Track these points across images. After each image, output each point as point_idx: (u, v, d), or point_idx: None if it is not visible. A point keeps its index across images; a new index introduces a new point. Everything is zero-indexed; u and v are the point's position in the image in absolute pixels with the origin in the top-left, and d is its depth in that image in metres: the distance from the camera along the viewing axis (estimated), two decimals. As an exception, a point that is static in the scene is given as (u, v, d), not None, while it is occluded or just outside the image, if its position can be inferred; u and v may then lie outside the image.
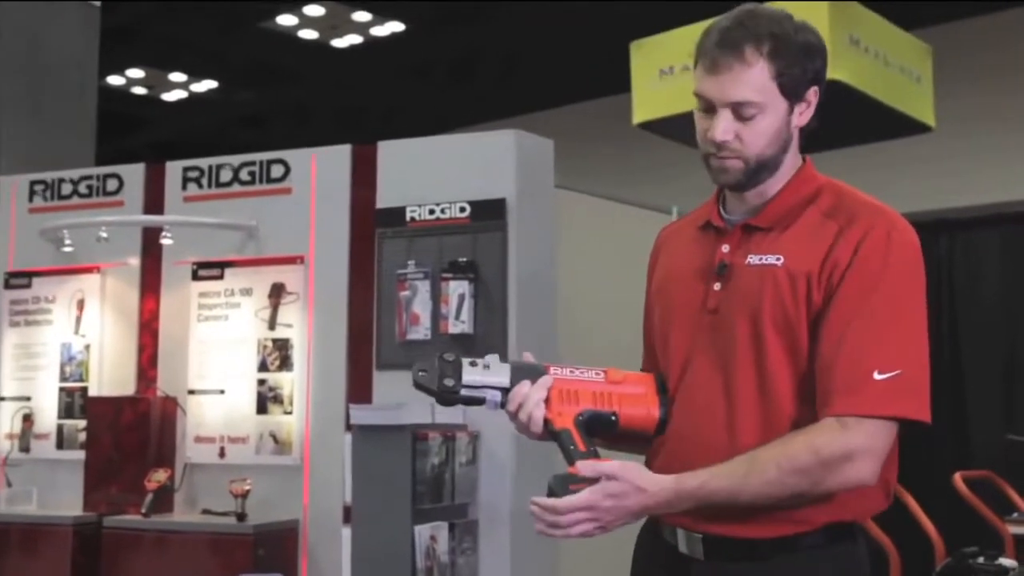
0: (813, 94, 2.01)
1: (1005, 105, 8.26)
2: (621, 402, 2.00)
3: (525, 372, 1.97)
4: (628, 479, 1.86)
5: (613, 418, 1.99)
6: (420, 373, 1.92)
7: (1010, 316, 7.62)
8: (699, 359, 2.02)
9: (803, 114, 2.01)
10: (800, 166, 2.07)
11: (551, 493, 1.86)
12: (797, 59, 1.96)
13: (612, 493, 1.84)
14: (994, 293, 7.67)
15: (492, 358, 1.97)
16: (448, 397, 1.92)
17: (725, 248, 2.04)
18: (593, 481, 1.85)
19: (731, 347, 1.98)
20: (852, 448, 1.86)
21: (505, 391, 1.95)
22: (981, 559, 4.34)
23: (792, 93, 1.98)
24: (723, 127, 1.95)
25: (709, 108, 1.98)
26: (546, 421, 1.94)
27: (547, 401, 1.95)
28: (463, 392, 1.92)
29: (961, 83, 7.75)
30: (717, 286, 2.03)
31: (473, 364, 1.93)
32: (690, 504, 1.89)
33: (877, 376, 1.87)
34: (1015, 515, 5.14)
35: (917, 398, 1.90)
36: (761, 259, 1.98)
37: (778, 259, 1.96)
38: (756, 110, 1.94)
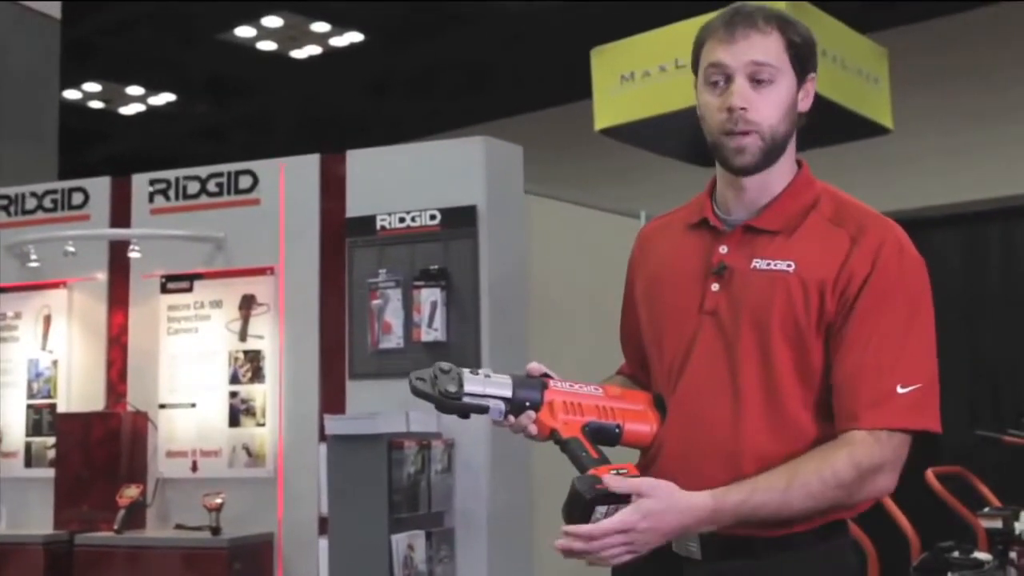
0: (812, 81, 2.05)
1: (961, 106, 8.37)
2: (624, 416, 2.00)
3: (526, 384, 1.95)
4: (664, 497, 1.83)
5: (617, 430, 1.98)
6: (418, 380, 1.89)
7: (972, 314, 7.72)
8: (698, 362, 2.01)
9: (804, 100, 2.04)
10: (799, 169, 2.09)
11: (575, 495, 1.81)
12: (802, 37, 2.02)
13: (648, 512, 1.81)
14: (956, 292, 7.77)
15: (488, 371, 1.95)
16: (449, 403, 1.88)
17: (723, 249, 2.03)
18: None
19: (735, 352, 1.97)
20: (885, 461, 1.90)
21: (507, 401, 1.92)
22: (956, 553, 4.39)
23: (800, 66, 2.02)
24: (741, 92, 1.96)
25: (724, 79, 1.99)
26: (553, 431, 1.93)
27: (551, 410, 1.94)
28: (465, 399, 1.89)
29: (918, 85, 7.85)
30: (715, 287, 2.02)
31: (474, 373, 1.91)
32: (730, 521, 1.87)
33: (900, 390, 1.91)
34: (987, 509, 5.19)
35: (933, 409, 1.95)
36: (770, 264, 1.97)
37: (789, 266, 1.96)
38: (772, 74, 1.97)
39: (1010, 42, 8.40)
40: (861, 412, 1.90)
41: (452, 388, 1.87)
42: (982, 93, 8.32)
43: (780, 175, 2.05)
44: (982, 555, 4.46)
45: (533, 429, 1.93)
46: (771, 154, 2.00)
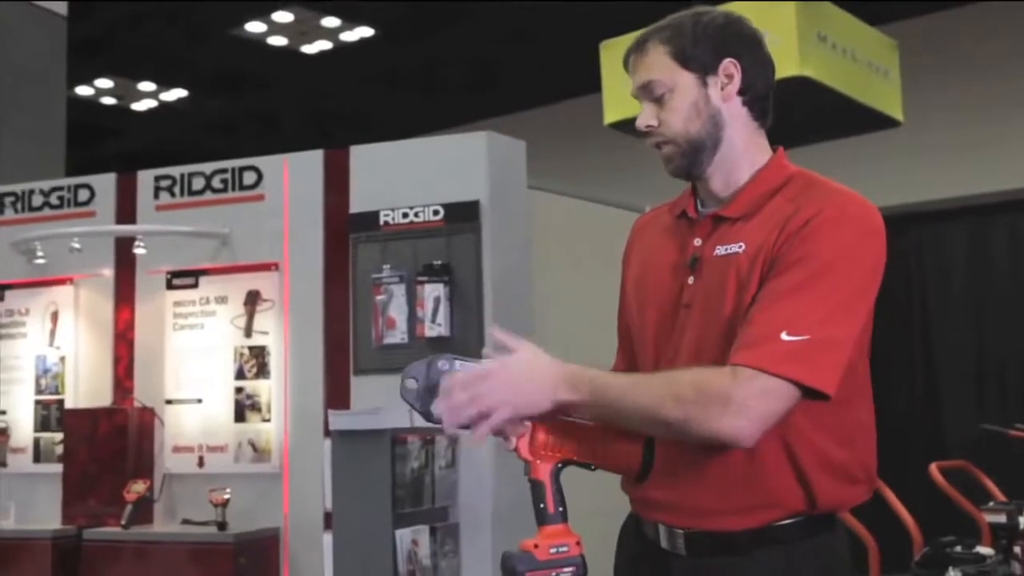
0: (732, 66, 2.03)
1: (971, 99, 8.33)
2: (606, 450, 1.96)
3: None
4: (529, 350, 1.87)
5: (592, 468, 1.96)
6: (410, 380, 1.88)
7: (979, 306, 7.69)
8: (677, 356, 2.01)
9: (726, 88, 2.03)
10: (771, 157, 2.08)
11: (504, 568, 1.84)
12: (696, 37, 2.03)
13: (510, 360, 1.85)
14: (963, 284, 7.75)
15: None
16: (432, 421, 1.88)
17: (697, 241, 2.05)
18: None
19: (708, 341, 1.97)
20: (732, 396, 1.80)
21: None
22: (959, 548, 4.36)
23: (695, 64, 2.02)
24: (643, 115, 2.06)
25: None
26: (525, 463, 1.91)
27: (531, 439, 1.90)
28: None
29: (928, 78, 7.82)
30: (691, 280, 2.03)
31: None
32: (584, 395, 1.84)
33: (785, 337, 1.82)
34: (991, 504, 5.17)
35: (820, 366, 1.84)
36: (727, 249, 1.98)
37: (740, 246, 1.96)
38: (663, 88, 2.03)
39: (1020, 34, 8.35)
40: (738, 350, 1.85)
41: (437, 410, 1.86)
42: (991, 85, 8.28)
43: (740, 164, 2.05)
44: (985, 550, 4.42)
45: (511, 445, 1.91)
46: (697, 155, 2.03)
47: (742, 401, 1.80)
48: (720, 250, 1.99)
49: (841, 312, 1.87)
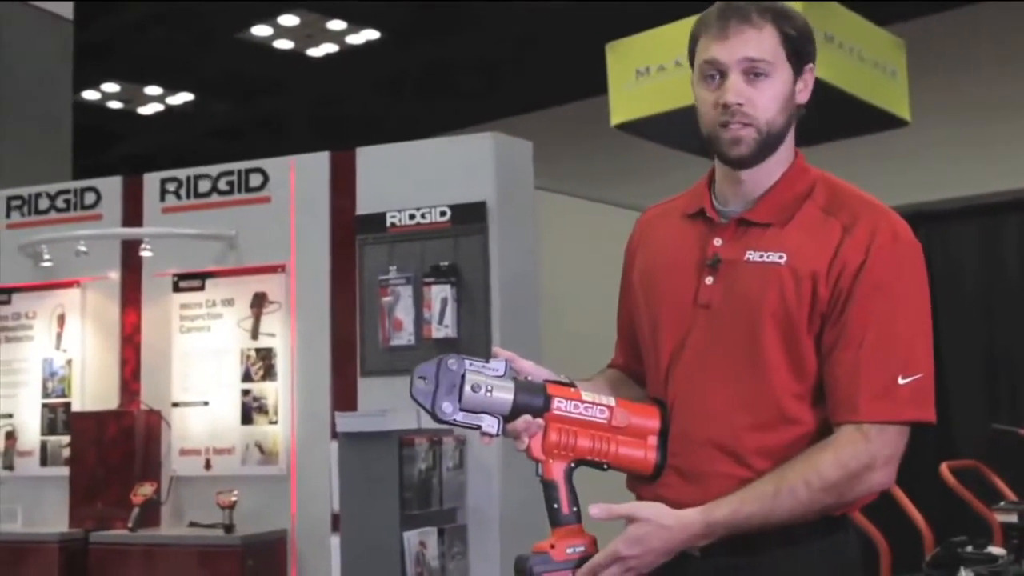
0: (810, 72, 2.03)
1: (979, 98, 8.31)
2: (619, 449, 1.94)
3: (528, 396, 1.89)
4: (648, 518, 1.87)
5: (604, 467, 1.95)
6: (420, 380, 1.85)
7: (989, 306, 7.66)
8: (691, 355, 2.00)
9: (802, 92, 2.02)
10: (793, 159, 2.06)
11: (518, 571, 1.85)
12: (798, 29, 2.00)
13: (635, 539, 1.85)
14: (973, 284, 7.72)
15: (494, 373, 1.87)
16: (441, 421, 1.86)
17: (718, 241, 2.02)
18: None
19: (728, 344, 1.96)
20: (875, 457, 1.88)
21: (504, 418, 1.88)
22: (970, 548, 4.34)
23: (796, 60, 1.99)
24: (736, 88, 1.95)
25: (719, 75, 1.98)
26: (537, 463, 1.90)
27: (544, 439, 1.90)
28: (459, 416, 1.85)
29: (935, 77, 7.80)
30: (709, 280, 2.00)
31: (475, 390, 1.85)
32: (723, 533, 1.88)
33: (901, 381, 1.88)
34: (1002, 503, 5.15)
35: (931, 400, 1.92)
36: (762, 256, 1.96)
37: (781, 257, 1.94)
38: (767, 69, 1.95)
39: (1028, 32, 8.34)
40: (862, 405, 1.88)
41: (448, 408, 1.84)
42: (999, 84, 8.25)
43: (776, 166, 2.03)
44: (996, 550, 4.40)
45: (523, 446, 1.91)
46: (767, 147, 1.98)
47: (883, 456, 1.89)
48: (753, 255, 1.97)
49: (928, 337, 1.94)
